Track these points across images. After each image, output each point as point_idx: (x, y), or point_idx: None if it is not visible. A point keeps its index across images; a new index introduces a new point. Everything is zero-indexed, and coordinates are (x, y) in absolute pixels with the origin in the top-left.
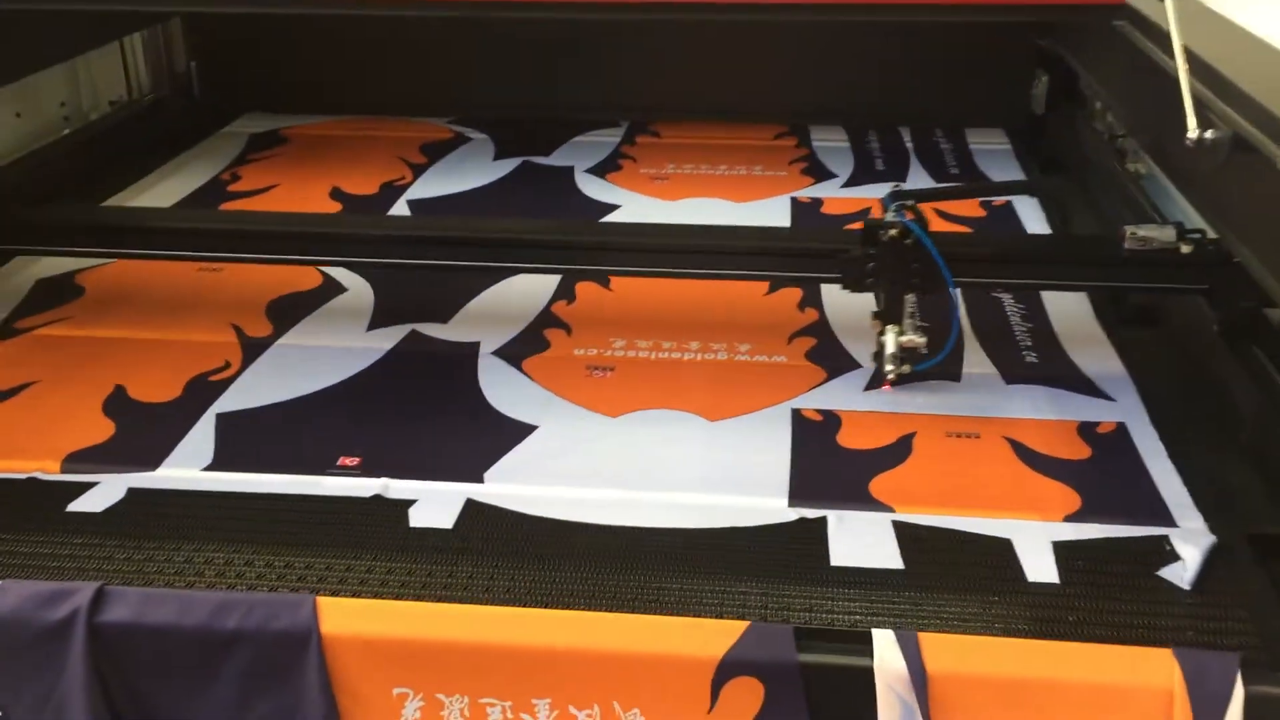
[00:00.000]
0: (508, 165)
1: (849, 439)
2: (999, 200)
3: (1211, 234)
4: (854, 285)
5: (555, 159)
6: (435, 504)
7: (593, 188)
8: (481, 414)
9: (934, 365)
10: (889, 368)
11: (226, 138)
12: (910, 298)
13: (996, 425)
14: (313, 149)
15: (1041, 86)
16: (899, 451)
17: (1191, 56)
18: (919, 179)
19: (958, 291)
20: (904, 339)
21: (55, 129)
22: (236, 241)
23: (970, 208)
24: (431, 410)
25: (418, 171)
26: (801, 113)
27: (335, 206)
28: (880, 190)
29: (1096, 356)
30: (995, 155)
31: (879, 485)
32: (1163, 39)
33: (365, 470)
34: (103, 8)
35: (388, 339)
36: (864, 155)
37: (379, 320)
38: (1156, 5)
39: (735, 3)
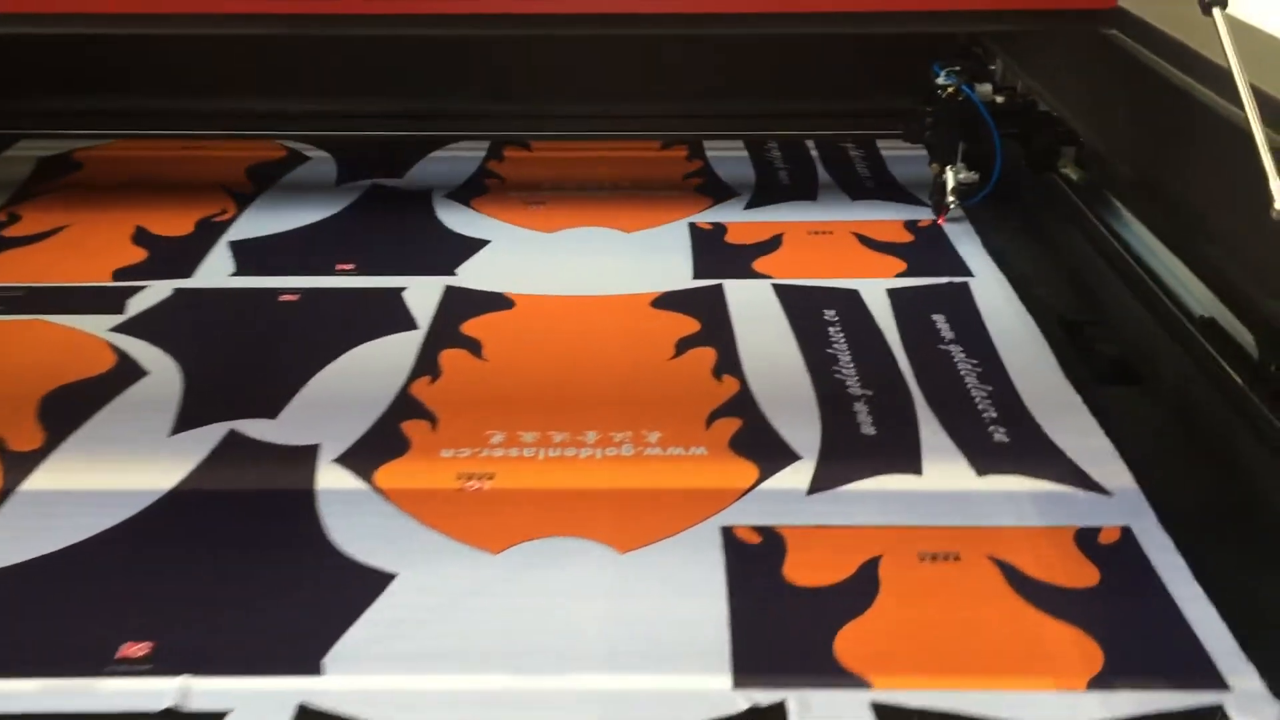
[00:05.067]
0: (353, 192)
1: (798, 571)
2: (924, 222)
3: (1020, 89)
4: (914, 136)
5: (409, 181)
6: (256, 714)
7: (455, 217)
8: (321, 558)
9: (982, 198)
10: (950, 199)
11: (10, 162)
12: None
13: (977, 539)
14: (113, 176)
15: None
16: (863, 587)
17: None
18: (829, 192)
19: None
20: (961, 175)
21: None
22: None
23: (897, 232)
24: (251, 557)
25: (243, 203)
26: (692, 119)
27: (140, 253)
28: (790, 210)
29: (1075, 429)
30: (911, 161)
31: (845, 643)
32: (1166, 49)
33: (158, 663)
34: None
35: (199, 446)
36: (765, 167)
37: (188, 417)
38: (1151, 8)
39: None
